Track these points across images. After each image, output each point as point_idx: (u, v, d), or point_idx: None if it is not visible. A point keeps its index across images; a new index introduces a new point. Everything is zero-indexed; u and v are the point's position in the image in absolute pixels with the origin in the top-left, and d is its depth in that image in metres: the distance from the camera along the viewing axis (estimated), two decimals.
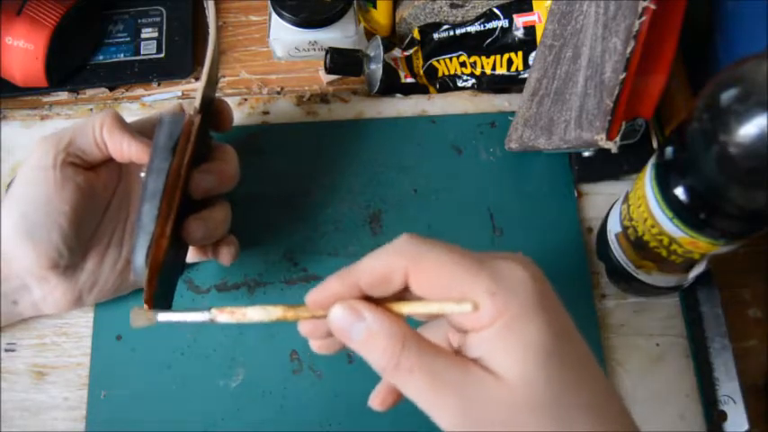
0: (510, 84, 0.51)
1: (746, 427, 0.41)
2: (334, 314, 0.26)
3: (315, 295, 0.26)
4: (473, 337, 0.25)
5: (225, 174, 0.40)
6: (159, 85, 0.53)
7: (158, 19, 0.54)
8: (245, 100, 0.51)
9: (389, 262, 0.25)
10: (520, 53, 0.50)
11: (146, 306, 0.37)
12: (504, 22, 0.50)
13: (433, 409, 0.24)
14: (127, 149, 0.38)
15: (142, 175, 0.37)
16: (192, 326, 0.44)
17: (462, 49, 0.52)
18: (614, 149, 0.39)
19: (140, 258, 0.35)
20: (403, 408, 0.42)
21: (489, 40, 0.51)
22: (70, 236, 0.38)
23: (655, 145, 0.48)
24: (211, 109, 0.42)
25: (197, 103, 0.38)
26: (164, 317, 0.30)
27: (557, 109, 0.43)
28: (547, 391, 0.24)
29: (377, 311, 0.25)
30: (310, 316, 0.27)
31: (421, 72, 0.53)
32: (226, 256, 0.42)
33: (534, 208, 0.48)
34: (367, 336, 0.25)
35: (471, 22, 0.51)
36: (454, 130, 0.50)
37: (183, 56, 0.53)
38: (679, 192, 0.33)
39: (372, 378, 0.43)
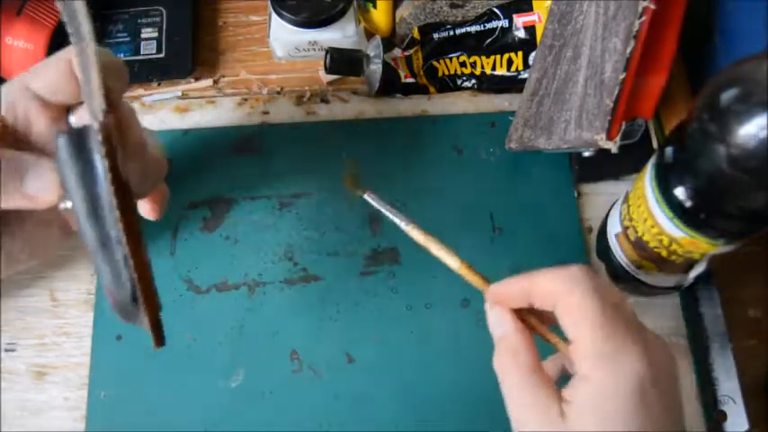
0: (510, 84, 0.51)
1: (746, 427, 0.41)
2: (489, 312, 0.33)
3: (494, 291, 0.33)
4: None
5: (132, 144, 0.33)
6: (159, 84, 0.53)
7: (158, 19, 0.54)
8: (245, 100, 0.51)
9: (548, 285, 0.30)
10: (520, 53, 0.50)
11: (154, 342, 0.31)
12: (504, 22, 0.50)
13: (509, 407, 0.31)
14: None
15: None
16: (192, 326, 0.44)
17: (462, 49, 0.52)
18: (614, 149, 0.39)
19: (123, 298, 0.30)
20: (403, 408, 0.43)
21: (489, 40, 0.51)
22: None
23: (655, 145, 0.48)
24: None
25: (100, 100, 0.28)
26: (372, 199, 0.36)
27: (557, 109, 0.43)
28: None
29: (515, 326, 0.32)
30: (478, 286, 0.34)
31: (421, 72, 0.53)
32: (153, 210, 0.39)
33: (534, 208, 0.48)
34: (500, 336, 0.32)
35: (471, 22, 0.51)
36: (454, 130, 0.50)
37: (183, 56, 0.53)
38: (679, 192, 0.33)
39: (372, 378, 0.43)
